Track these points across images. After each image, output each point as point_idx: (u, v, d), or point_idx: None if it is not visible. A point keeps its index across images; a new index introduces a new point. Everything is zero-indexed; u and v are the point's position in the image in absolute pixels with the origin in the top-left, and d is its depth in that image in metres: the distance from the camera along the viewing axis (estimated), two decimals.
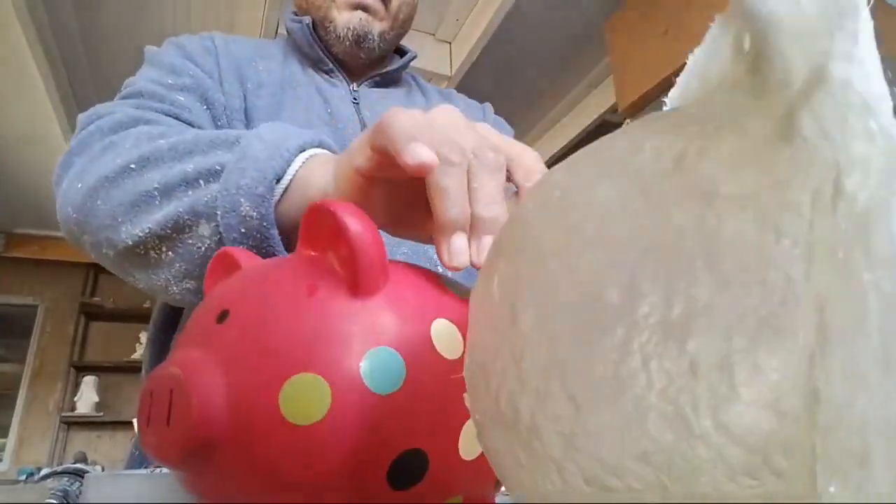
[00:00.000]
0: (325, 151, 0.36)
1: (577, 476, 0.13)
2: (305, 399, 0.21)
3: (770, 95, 0.12)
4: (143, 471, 0.36)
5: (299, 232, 0.26)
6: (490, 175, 0.27)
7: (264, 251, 0.34)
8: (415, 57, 0.69)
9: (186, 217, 0.35)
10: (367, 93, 0.63)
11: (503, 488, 0.41)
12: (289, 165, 0.34)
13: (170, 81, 0.51)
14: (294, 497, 0.22)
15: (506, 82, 2.22)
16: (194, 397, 0.21)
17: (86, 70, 2.10)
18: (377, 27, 0.61)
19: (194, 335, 0.25)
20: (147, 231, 0.36)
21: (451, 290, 0.28)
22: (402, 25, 0.64)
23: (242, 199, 0.33)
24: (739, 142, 0.12)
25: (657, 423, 0.11)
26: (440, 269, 0.31)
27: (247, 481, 0.22)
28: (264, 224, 0.33)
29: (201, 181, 0.35)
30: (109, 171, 0.39)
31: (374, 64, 0.64)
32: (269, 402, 0.21)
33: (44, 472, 0.66)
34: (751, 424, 0.10)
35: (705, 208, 0.11)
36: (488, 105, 0.72)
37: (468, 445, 0.24)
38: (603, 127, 2.26)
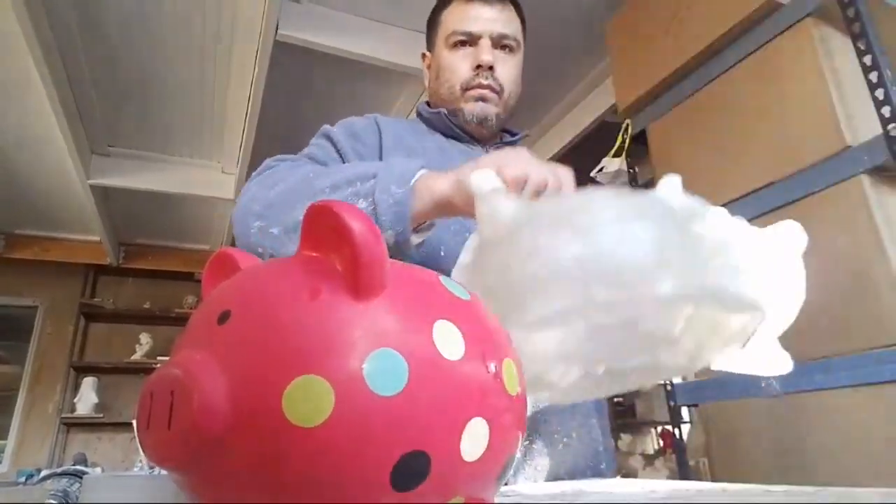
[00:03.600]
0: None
1: None
2: (309, 401, 0.21)
3: None
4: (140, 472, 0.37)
5: (301, 232, 0.26)
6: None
7: (399, 222, 0.52)
8: (527, 135, 0.94)
9: (350, 200, 0.54)
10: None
11: (503, 488, 0.41)
12: (416, 172, 0.54)
13: (332, 156, 0.74)
14: (296, 499, 0.21)
15: None
16: (196, 398, 0.21)
17: (86, 73, 2.10)
18: (493, 111, 0.82)
19: (195, 336, 0.25)
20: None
21: (451, 290, 0.28)
22: (511, 110, 0.86)
23: (392, 186, 0.53)
24: None
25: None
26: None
27: (249, 483, 0.22)
28: (405, 198, 0.52)
29: (358, 182, 0.55)
30: (294, 181, 0.60)
31: (495, 136, 0.88)
32: (273, 404, 0.21)
33: (44, 473, 0.66)
34: None
35: None
36: None
37: (470, 446, 0.24)
38: (603, 127, 2.25)
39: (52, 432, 3.32)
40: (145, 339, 3.61)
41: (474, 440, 0.24)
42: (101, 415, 3.37)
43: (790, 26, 1.23)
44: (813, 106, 1.16)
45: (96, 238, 3.36)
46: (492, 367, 0.26)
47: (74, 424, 3.39)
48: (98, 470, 2.35)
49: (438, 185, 0.52)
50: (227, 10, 1.85)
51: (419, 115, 0.88)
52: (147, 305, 3.71)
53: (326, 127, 0.78)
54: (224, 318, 0.24)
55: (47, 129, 2.28)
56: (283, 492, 0.21)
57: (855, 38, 1.09)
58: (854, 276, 1.06)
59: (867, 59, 1.06)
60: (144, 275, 3.74)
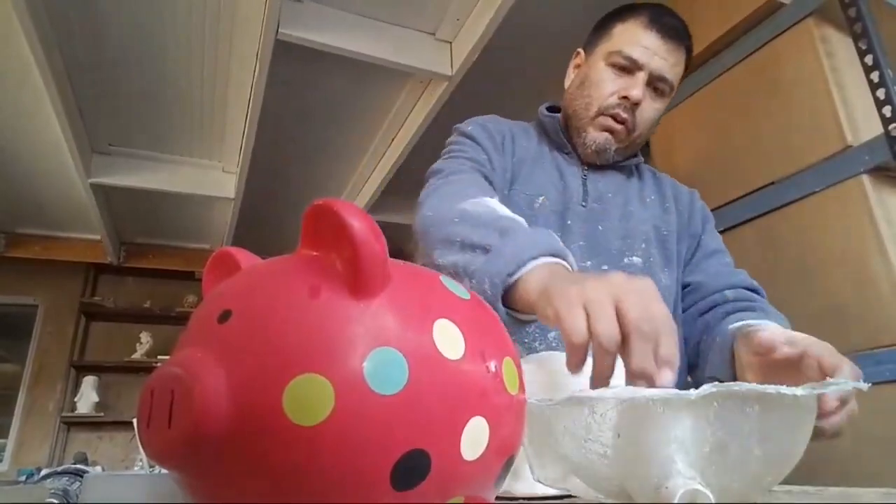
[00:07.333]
0: (552, 259, 0.51)
1: None
2: (309, 400, 0.21)
3: None
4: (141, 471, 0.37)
5: (301, 231, 0.26)
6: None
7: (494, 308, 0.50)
8: (640, 162, 0.88)
9: (460, 269, 0.56)
10: (594, 171, 0.83)
11: (504, 488, 0.41)
12: (522, 267, 0.50)
13: (471, 155, 0.78)
14: (297, 497, 0.21)
15: (506, 82, 2.22)
16: (196, 397, 0.21)
17: (87, 72, 2.10)
18: (615, 146, 0.80)
19: (196, 335, 0.25)
20: (448, 263, 0.58)
21: (451, 290, 0.28)
22: (635, 148, 0.84)
23: (486, 280, 0.51)
24: None
25: None
26: None
27: (249, 482, 0.22)
28: (495, 299, 0.51)
29: (476, 251, 0.55)
30: (441, 218, 0.62)
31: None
32: (273, 403, 0.21)
33: (44, 472, 0.66)
34: None
35: None
36: (696, 192, 0.90)
37: (470, 446, 0.24)
38: None
39: (52, 431, 3.32)
40: (146, 338, 3.61)
41: (474, 439, 0.24)
42: (102, 414, 3.37)
43: (791, 26, 1.23)
44: (814, 105, 1.16)
45: (97, 237, 3.36)
46: (492, 366, 0.26)
47: (75, 423, 3.39)
48: (98, 469, 2.35)
49: (530, 291, 0.48)
50: (227, 9, 1.85)
51: (539, 118, 0.89)
52: (147, 304, 3.71)
53: (464, 128, 0.81)
54: (224, 317, 0.24)
55: (48, 128, 2.27)
56: (283, 491, 0.21)
57: (856, 38, 1.08)
58: (854, 276, 1.06)
59: (868, 59, 1.06)
60: (145, 274, 3.74)
